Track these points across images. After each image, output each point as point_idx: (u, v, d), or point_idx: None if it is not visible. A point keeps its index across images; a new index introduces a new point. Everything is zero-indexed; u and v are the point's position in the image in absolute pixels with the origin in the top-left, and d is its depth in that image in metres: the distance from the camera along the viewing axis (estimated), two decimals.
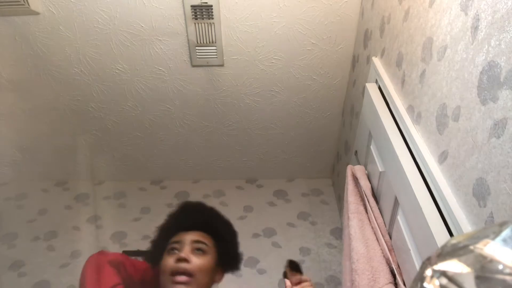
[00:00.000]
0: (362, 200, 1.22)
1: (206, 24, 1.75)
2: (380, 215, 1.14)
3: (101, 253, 1.03)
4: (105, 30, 1.78)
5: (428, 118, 0.94)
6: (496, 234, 0.35)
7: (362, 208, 1.20)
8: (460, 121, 0.78)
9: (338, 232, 2.05)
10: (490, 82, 0.69)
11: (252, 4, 1.71)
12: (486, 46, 0.70)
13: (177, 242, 0.98)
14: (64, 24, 1.75)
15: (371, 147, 1.28)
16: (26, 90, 1.98)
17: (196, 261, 0.94)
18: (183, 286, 0.90)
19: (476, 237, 0.36)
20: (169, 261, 0.93)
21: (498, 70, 0.66)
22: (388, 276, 0.99)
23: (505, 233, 0.34)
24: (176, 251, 0.96)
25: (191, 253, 0.94)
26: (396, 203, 1.04)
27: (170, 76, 1.94)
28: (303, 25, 1.77)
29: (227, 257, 1.04)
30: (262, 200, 2.26)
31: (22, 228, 2.07)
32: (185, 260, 0.92)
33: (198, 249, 0.96)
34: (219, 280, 1.03)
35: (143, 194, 2.32)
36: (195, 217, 1.05)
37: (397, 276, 0.98)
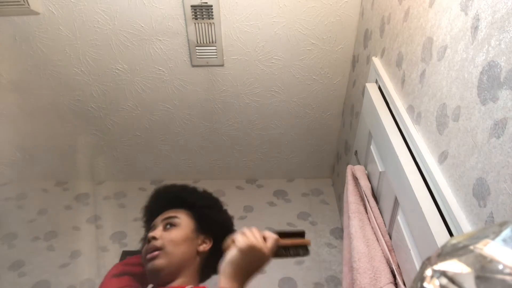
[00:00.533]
0: (362, 200, 1.22)
1: (206, 24, 1.75)
2: (380, 215, 1.14)
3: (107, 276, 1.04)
4: (105, 30, 1.78)
5: (428, 118, 0.94)
6: (496, 234, 0.35)
7: (362, 208, 1.20)
8: (460, 121, 0.78)
9: (338, 232, 2.05)
10: (490, 82, 0.69)
11: (252, 4, 1.71)
12: (486, 46, 0.70)
13: (152, 227, 1.00)
14: (64, 24, 1.75)
15: (371, 147, 1.28)
16: (26, 90, 1.98)
17: (166, 236, 0.94)
18: (154, 261, 0.90)
19: (476, 237, 0.36)
20: (144, 247, 0.96)
21: (498, 70, 0.66)
22: (388, 276, 0.99)
23: (505, 233, 0.34)
24: None
25: (163, 231, 0.95)
26: (396, 203, 1.04)
27: (170, 76, 1.94)
28: (303, 25, 1.77)
29: (207, 222, 1.03)
30: (262, 200, 2.26)
31: (22, 228, 2.07)
32: (153, 238, 0.93)
33: (169, 224, 0.97)
34: (206, 247, 0.99)
35: (143, 194, 2.32)
36: (163, 198, 1.07)
37: (397, 276, 0.98)
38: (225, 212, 1.11)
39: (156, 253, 0.91)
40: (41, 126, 2.14)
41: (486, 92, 0.70)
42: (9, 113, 2.09)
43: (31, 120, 2.11)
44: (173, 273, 0.92)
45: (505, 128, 0.64)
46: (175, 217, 0.99)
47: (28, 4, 1.66)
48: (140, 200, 2.24)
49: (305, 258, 1.92)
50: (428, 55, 0.95)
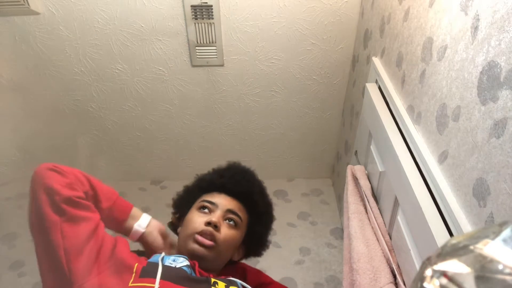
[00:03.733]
0: (362, 200, 1.22)
1: (206, 24, 1.75)
2: (380, 215, 1.14)
3: (55, 172, 0.77)
4: (105, 30, 1.77)
5: (428, 118, 0.94)
6: (496, 234, 0.35)
7: (362, 208, 1.20)
8: (460, 121, 0.78)
9: (338, 232, 2.05)
10: (490, 82, 0.69)
11: (252, 4, 1.71)
12: (486, 46, 0.70)
13: (210, 202, 0.92)
14: (64, 24, 1.75)
15: (371, 147, 1.28)
16: (26, 90, 1.98)
17: (225, 231, 0.89)
18: (203, 249, 0.85)
19: (476, 237, 0.36)
20: (198, 219, 0.89)
21: (498, 70, 0.66)
22: (388, 276, 0.99)
23: (505, 233, 0.34)
24: (207, 210, 0.91)
25: (222, 221, 0.90)
26: (396, 203, 1.04)
27: (170, 76, 1.94)
28: (303, 25, 1.77)
29: (255, 241, 0.99)
30: None
31: (22, 228, 2.07)
32: (216, 226, 0.87)
33: (230, 220, 0.91)
34: (237, 258, 0.98)
35: (143, 194, 2.32)
36: (240, 183, 0.97)
37: (397, 276, 0.98)
38: (270, 232, 1.05)
39: (211, 243, 0.86)
40: (41, 126, 2.13)
41: (486, 92, 0.70)
42: (9, 113, 2.08)
43: (31, 120, 2.11)
44: (207, 269, 0.88)
45: (505, 128, 0.64)
46: (239, 216, 0.93)
47: (28, 4, 1.66)
48: (140, 200, 2.26)
49: (305, 258, 1.92)
50: (428, 55, 0.95)
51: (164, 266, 0.79)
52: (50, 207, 0.72)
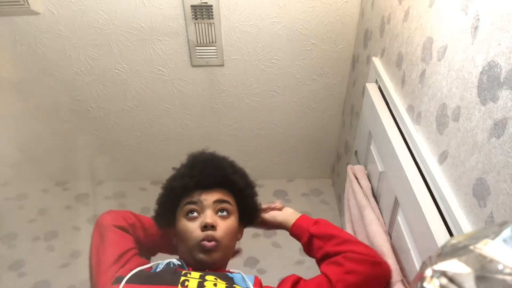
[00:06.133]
0: (363, 200, 1.22)
1: (206, 24, 1.75)
2: (380, 215, 1.14)
3: (108, 213, 0.96)
4: (105, 30, 1.77)
5: (428, 118, 0.94)
6: (496, 234, 0.35)
7: (368, 203, 1.19)
8: (460, 121, 0.78)
9: None
10: (490, 82, 0.69)
11: (252, 4, 1.71)
12: (486, 46, 0.70)
13: (194, 202, 0.88)
14: (64, 24, 1.75)
15: (371, 147, 1.28)
16: (26, 90, 1.98)
17: (223, 226, 0.86)
18: (211, 254, 0.84)
19: (476, 237, 0.36)
20: (193, 227, 0.85)
21: (498, 70, 0.66)
22: (398, 273, 0.98)
23: (505, 233, 0.34)
24: (196, 214, 0.87)
25: (215, 217, 0.87)
26: (396, 203, 1.04)
27: (170, 76, 1.94)
28: (303, 25, 1.77)
29: (248, 212, 0.97)
30: (262, 200, 2.24)
31: (22, 228, 2.07)
32: (212, 226, 0.84)
33: (222, 210, 0.88)
34: (240, 237, 0.98)
35: (143, 194, 2.32)
36: (213, 174, 0.92)
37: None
38: (256, 195, 1.01)
39: (214, 244, 0.84)
40: (41, 126, 2.13)
41: (486, 92, 0.70)
42: (9, 113, 2.08)
43: (31, 120, 2.11)
44: (218, 265, 0.88)
45: (505, 128, 0.64)
46: (227, 202, 0.90)
47: (28, 4, 1.66)
48: (140, 200, 2.26)
49: (305, 258, 1.91)
50: (428, 55, 0.95)
51: (139, 271, 0.82)
52: (96, 231, 0.94)
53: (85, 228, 2.07)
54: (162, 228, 0.98)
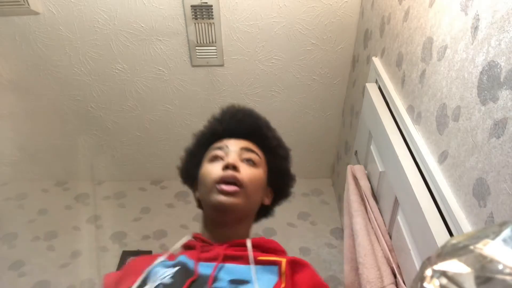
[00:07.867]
0: (362, 200, 1.22)
1: (206, 24, 1.75)
2: (380, 215, 1.14)
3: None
4: (105, 30, 1.77)
5: (428, 118, 0.94)
6: (496, 234, 0.35)
7: (363, 207, 1.20)
8: (460, 121, 0.78)
9: (338, 232, 2.05)
10: (490, 82, 0.69)
11: (252, 4, 1.71)
12: (486, 46, 0.70)
13: (220, 148, 0.81)
14: (64, 24, 1.75)
15: (371, 147, 1.28)
16: (26, 90, 1.98)
17: (246, 171, 0.77)
18: (230, 198, 0.73)
19: (476, 237, 0.36)
20: (214, 168, 0.77)
21: (498, 70, 0.66)
22: (390, 277, 0.99)
23: (505, 233, 0.34)
24: (220, 159, 0.79)
25: (240, 162, 0.78)
26: (396, 203, 1.04)
27: (170, 76, 1.94)
28: (303, 25, 1.77)
29: (280, 178, 0.88)
30: None
31: (22, 228, 2.07)
32: (234, 167, 0.75)
33: (248, 159, 0.80)
34: (268, 202, 0.86)
35: (143, 194, 2.32)
36: (244, 121, 0.86)
37: (398, 276, 0.98)
38: (291, 166, 0.92)
39: (235, 188, 0.74)
40: (41, 126, 2.13)
41: (486, 92, 0.70)
42: (9, 113, 2.08)
43: (31, 120, 2.11)
44: (240, 220, 0.78)
45: (505, 128, 0.64)
46: (256, 153, 0.81)
47: (28, 4, 1.66)
48: (140, 200, 2.26)
49: (305, 258, 1.91)
50: (428, 55, 0.95)
51: None
52: None
53: (85, 228, 2.07)
54: (185, 182, 0.90)
